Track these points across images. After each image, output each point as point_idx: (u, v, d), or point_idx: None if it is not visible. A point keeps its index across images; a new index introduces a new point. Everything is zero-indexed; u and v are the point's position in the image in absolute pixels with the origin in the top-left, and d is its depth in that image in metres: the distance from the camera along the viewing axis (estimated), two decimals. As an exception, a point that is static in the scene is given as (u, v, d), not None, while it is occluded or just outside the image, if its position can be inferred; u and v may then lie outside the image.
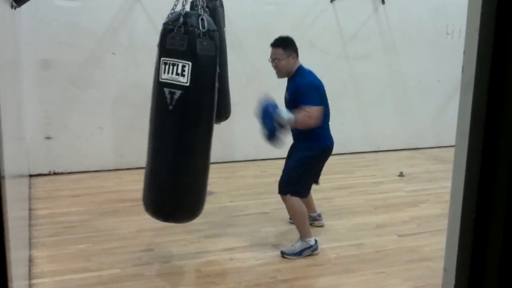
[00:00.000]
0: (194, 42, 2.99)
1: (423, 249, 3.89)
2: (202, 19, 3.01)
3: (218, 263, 3.64)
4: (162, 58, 3.09)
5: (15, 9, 3.32)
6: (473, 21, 1.11)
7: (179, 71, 3.03)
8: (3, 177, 1.02)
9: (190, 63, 3.00)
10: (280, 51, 3.66)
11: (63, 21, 5.27)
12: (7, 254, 1.00)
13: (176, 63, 3.02)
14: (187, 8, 3.26)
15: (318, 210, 4.29)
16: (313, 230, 3.94)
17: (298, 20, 6.09)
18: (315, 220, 4.22)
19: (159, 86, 3.07)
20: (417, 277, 3.47)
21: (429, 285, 3.34)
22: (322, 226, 4.23)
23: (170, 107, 3.02)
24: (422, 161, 6.33)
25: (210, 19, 3.13)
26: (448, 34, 6.68)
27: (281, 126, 3.47)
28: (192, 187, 3.17)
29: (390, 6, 6.40)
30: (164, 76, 3.06)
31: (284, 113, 3.46)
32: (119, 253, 3.73)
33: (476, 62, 1.11)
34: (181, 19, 3.02)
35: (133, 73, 5.60)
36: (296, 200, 3.71)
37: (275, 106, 3.45)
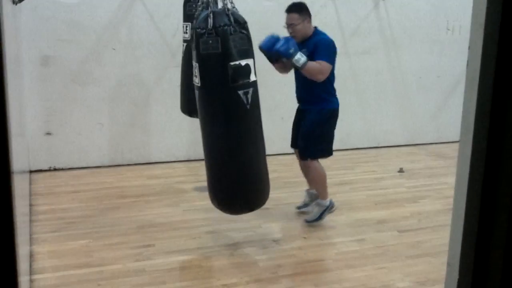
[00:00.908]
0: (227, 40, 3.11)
1: (423, 244, 3.90)
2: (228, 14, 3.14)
3: (219, 258, 3.65)
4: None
5: (16, 4, 3.31)
6: (478, 16, 1.11)
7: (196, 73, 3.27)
8: (12, 172, 1.03)
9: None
10: (295, 15, 3.81)
11: (63, 18, 5.26)
12: (17, 249, 1.01)
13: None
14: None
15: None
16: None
17: (299, 16, 6.07)
18: (317, 197, 4.26)
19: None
20: (418, 272, 3.48)
21: (430, 280, 3.35)
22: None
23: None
24: (423, 157, 6.34)
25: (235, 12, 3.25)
26: (448, 30, 6.68)
27: (294, 65, 3.71)
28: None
29: (390, 2, 6.40)
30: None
31: (301, 53, 3.67)
32: (120, 248, 3.73)
33: (481, 57, 1.11)
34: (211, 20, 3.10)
35: (133, 69, 5.60)
36: (318, 164, 3.95)
37: (295, 45, 3.68)
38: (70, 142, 5.51)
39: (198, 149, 3.48)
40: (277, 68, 4.02)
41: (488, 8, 1.10)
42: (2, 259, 1.00)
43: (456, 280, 1.19)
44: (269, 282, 3.34)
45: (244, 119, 3.26)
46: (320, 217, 4.03)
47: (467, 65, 1.17)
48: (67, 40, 5.30)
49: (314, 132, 3.94)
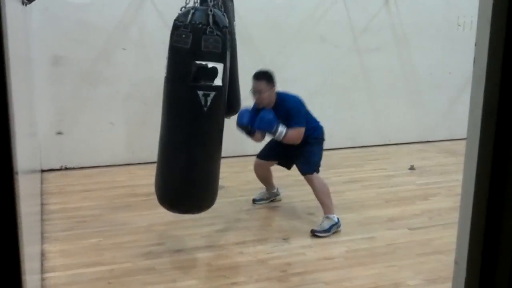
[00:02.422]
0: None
1: (434, 242, 3.87)
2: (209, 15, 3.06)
3: (228, 256, 3.65)
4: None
5: (26, 5, 3.33)
6: (485, 12, 1.10)
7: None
8: (16, 173, 1.03)
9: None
10: (263, 83, 3.98)
11: (74, 18, 5.29)
12: (21, 248, 1.01)
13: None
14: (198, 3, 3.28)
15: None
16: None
17: (308, 14, 6.06)
18: (277, 195, 4.64)
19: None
20: (429, 270, 3.46)
21: (441, 278, 3.33)
22: (280, 199, 4.65)
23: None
24: (434, 154, 6.30)
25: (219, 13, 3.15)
26: (459, 25, 6.62)
27: (270, 132, 4.00)
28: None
29: (401, -2, 6.37)
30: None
31: (281, 125, 3.95)
32: (131, 247, 3.75)
33: (488, 54, 1.10)
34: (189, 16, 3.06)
35: (144, 68, 5.62)
36: (321, 178, 4.10)
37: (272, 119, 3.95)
38: (82, 141, 5.54)
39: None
40: (255, 140, 4.19)
41: (494, 4, 1.09)
42: (6, 259, 1.01)
43: (464, 279, 1.18)
44: (278, 280, 3.34)
45: (198, 120, 3.17)
46: (329, 230, 3.96)
47: (474, 61, 1.16)
48: (78, 40, 5.33)
49: (315, 150, 4.16)
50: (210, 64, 3.10)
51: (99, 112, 5.55)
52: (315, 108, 4.36)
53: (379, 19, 6.35)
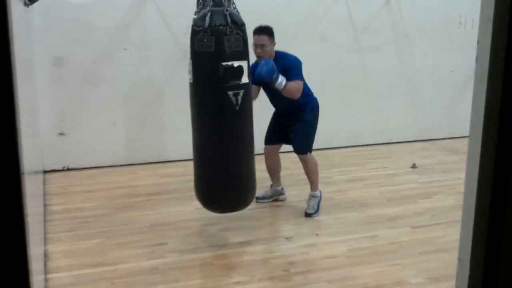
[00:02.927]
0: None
1: (437, 240, 3.87)
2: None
3: (231, 256, 3.66)
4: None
5: (27, 6, 3.34)
6: (487, 10, 1.10)
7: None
8: (22, 173, 1.04)
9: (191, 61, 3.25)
10: (265, 37, 4.00)
11: (75, 19, 5.29)
12: (28, 249, 1.02)
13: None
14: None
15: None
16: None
17: (309, 13, 6.06)
18: (280, 194, 4.63)
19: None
20: (432, 268, 3.46)
21: (444, 276, 3.33)
22: (285, 199, 4.65)
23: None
24: (435, 153, 6.30)
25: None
26: (460, 24, 6.62)
27: (271, 81, 3.88)
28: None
29: (402, -3, 6.37)
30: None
31: (281, 76, 3.90)
32: (134, 247, 3.76)
33: (490, 52, 1.10)
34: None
35: (145, 69, 5.63)
36: (314, 157, 4.30)
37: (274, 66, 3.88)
38: (83, 142, 5.55)
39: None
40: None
41: (496, 2, 1.09)
42: (13, 259, 1.02)
43: (468, 276, 1.18)
44: (281, 279, 3.34)
45: (232, 120, 3.26)
46: (318, 208, 4.29)
47: (476, 60, 1.17)
48: (79, 40, 5.34)
49: (309, 130, 4.27)
50: (236, 63, 3.14)
51: (100, 112, 5.56)
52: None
53: (380, 18, 6.34)
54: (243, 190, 3.48)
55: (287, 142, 4.39)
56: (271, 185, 4.63)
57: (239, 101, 3.19)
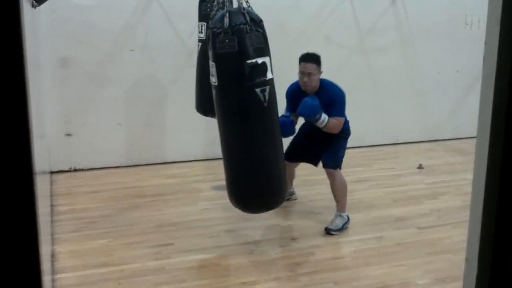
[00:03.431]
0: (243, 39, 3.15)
1: (443, 241, 3.87)
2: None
3: (237, 257, 3.66)
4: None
5: (35, 8, 3.36)
6: (494, 11, 1.10)
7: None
8: (35, 173, 1.05)
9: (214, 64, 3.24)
10: (313, 66, 3.91)
11: (81, 20, 5.31)
12: (40, 248, 1.03)
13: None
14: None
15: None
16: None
17: (314, 14, 6.06)
18: (291, 194, 4.57)
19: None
20: (438, 269, 3.45)
21: (450, 277, 3.33)
22: (296, 199, 4.63)
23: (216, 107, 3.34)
24: (442, 153, 6.28)
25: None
26: (467, 24, 6.60)
27: (312, 119, 3.86)
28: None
29: (407, -2, 6.36)
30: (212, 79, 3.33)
31: (323, 114, 3.85)
32: (140, 247, 3.77)
33: (498, 52, 1.10)
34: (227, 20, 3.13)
35: (150, 70, 5.64)
36: (341, 174, 4.09)
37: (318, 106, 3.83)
38: (90, 142, 5.57)
39: (215, 148, 3.50)
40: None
41: (504, 3, 1.09)
42: (26, 259, 1.03)
43: (475, 276, 1.18)
44: (287, 280, 3.34)
45: (262, 117, 3.27)
46: (342, 228, 4.03)
47: (484, 61, 1.17)
48: (85, 41, 5.36)
49: (339, 144, 4.12)
50: (260, 60, 3.16)
51: (106, 113, 5.57)
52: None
53: (386, 19, 6.33)
54: (279, 188, 3.46)
55: (310, 161, 4.27)
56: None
57: (267, 97, 3.20)
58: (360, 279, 3.35)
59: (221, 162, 3.53)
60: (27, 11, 2.26)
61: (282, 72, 4.24)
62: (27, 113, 0.98)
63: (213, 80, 3.27)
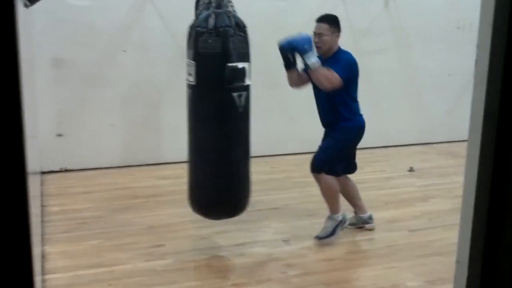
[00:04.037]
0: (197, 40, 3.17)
1: (434, 244, 3.88)
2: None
3: (229, 258, 3.66)
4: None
5: (27, 7, 3.34)
6: (487, 14, 1.11)
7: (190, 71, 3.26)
8: (28, 173, 1.05)
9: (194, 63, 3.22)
10: (325, 26, 3.66)
11: (75, 20, 5.29)
12: (32, 249, 1.03)
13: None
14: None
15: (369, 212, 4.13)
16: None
17: (310, 16, 6.05)
18: (365, 223, 4.07)
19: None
20: (429, 271, 3.47)
21: (441, 279, 3.34)
22: (373, 229, 4.07)
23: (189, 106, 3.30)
24: (433, 156, 6.31)
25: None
26: (459, 28, 6.64)
27: (305, 63, 3.55)
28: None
29: (400, 1, 6.38)
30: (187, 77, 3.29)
31: (314, 56, 3.53)
32: (131, 248, 3.76)
33: (490, 56, 1.11)
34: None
35: (145, 70, 5.63)
36: (330, 178, 3.77)
37: (311, 44, 3.54)
38: (82, 143, 5.54)
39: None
40: (289, 77, 3.85)
41: (496, 6, 1.10)
42: (19, 259, 1.02)
43: (466, 278, 1.19)
44: (279, 282, 3.35)
45: (235, 122, 3.26)
46: (333, 232, 3.81)
47: (475, 63, 1.17)
48: (79, 42, 5.34)
49: (334, 146, 3.80)
50: (240, 65, 3.15)
51: (99, 114, 5.55)
52: (316, 111, 4.36)
53: (380, 22, 6.36)
54: (245, 193, 3.46)
55: None
56: (354, 212, 4.13)
57: (242, 103, 3.20)
58: (351, 281, 3.36)
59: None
60: (20, 11, 2.25)
61: (278, 74, 4.23)
62: (20, 114, 0.97)
63: (190, 79, 3.26)
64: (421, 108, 6.77)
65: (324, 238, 3.81)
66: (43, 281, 3.25)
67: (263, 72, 5.88)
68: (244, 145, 3.37)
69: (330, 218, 3.87)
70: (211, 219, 3.65)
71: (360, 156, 6.20)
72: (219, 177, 3.33)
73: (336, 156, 3.82)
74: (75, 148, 5.53)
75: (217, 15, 3.14)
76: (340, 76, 3.55)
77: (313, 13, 6.11)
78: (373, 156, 6.26)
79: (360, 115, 3.87)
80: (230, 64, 3.14)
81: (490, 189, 1.10)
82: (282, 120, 5.96)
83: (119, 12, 5.44)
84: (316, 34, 3.67)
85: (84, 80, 5.44)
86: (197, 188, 3.43)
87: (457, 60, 6.63)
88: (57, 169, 5.49)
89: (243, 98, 3.19)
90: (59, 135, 5.48)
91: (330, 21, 3.68)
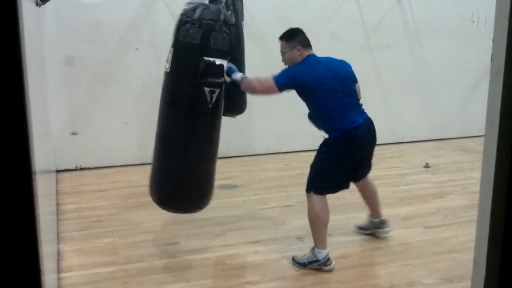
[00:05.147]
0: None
1: (450, 241, 3.84)
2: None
3: (243, 256, 3.65)
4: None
5: (39, 6, 3.36)
6: (503, 8, 1.08)
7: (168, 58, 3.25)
8: (34, 173, 1.04)
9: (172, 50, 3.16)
10: (283, 44, 3.51)
11: (86, 18, 5.32)
12: (39, 248, 1.02)
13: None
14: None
15: (382, 215, 3.88)
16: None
17: (320, 11, 6.04)
18: (377, 227, 3.87)
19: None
20: (444, 269, 3.43)
21: (456, 277, 3.30)
22: (387, 233, 3.86)
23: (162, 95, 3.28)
24: (448, 152, 6.25)
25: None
26: (473, 22, 6.56)
27: (232, 83, 3.33)
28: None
29: (413, -5, 6.32)
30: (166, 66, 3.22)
31: (235, 72, 3.32)
32: (145, 246, 3.77)
33: (506, 50, 1.08)
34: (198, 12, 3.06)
35: (156, 68, 5.62)
36: (317, 201, 3.41)
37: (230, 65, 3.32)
38: (96, 141, 5.57)
39: (221, 147, 3.46)
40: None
41: (512, -1, 1.07)
42: (25, 259, 1.02)
43: (483, 278, 1.17)
44: (293, 279, 3.33)
45: (201, 117, 3.16)
46: (303, 264, 3.45)
47: (491, 58, 1.15)
48: (91, 40, 5.36)
49: (319, 163, 3.48)
50: (218, 61, 3.09)
51: (112, 112, 5.58)
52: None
53: (392, 16, 6.30)
54: (201, 192, 3.33)
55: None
56: (370, 215, 3.92)
57: (213, 100, 3.11)
58: (366, 278, 3.33)
59: (225, 160, 3.53)
60: (30, 9, 2.26)
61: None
62: (25, 112, 0.97)
63: (167, 66, 3.22)
64: (434, 103, 6.70)
65: (296, 263, 3.50)
66: (59, 279, 3.27)
67: (273, 68, 5.85)
68: (208, 142, 3.24)
69: (312, 250, 3.45)
70: (167, 210, 3.51)
71: (374, 152, 6.19)
72: (173, 169, 3.23)
73: (319, 174, 3.45)
74: (89, 146, 5.56)
75: (206, 8, 3.11)
76: (275, 80, 3.35)
77: (323, 8, 6.14)
78: (387, 152, 6.21)
79: (343, 121, 3.45)
80: (206, 58, 3.07)
81: (508, 187, 1.08)
82: (294, 116, 5.93)
83: (129, 10, 5.45)
84: (281, 52, 3.55)
85: (96, 78, 5.47)
86: (153, 175, 3.35)
87: (470, 55, 6.56)
88: (72, 167, 5.53)
89: (215, 95, 3.10)
90: (74, 133, 5.51)
91: (286, 38, 3.51)
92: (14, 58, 0.97)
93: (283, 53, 3.52)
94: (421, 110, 6.66)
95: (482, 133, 1.28)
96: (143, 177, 5.32)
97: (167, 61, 3.23)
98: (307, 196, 3.48)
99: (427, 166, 5.60)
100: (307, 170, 4.87)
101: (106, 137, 5.60)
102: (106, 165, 5.61)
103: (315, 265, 3.42)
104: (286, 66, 3.52)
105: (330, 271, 3.40)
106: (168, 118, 3.25)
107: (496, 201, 1.12)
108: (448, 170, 5.51)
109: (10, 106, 0.95)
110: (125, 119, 5.64)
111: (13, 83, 0.97)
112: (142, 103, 5.65)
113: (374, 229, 3.88)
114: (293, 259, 3.53)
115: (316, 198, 3.42)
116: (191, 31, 3.06)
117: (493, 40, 1.15)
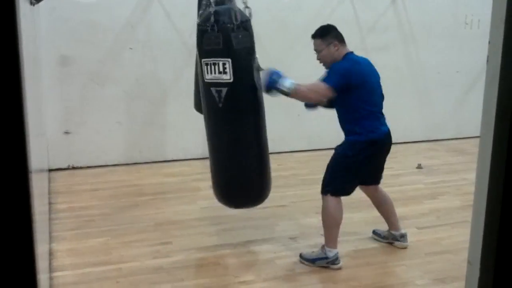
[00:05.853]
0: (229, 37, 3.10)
1: (443, 241, 3.86)
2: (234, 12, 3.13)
3: (236, 256, 3.65)
4: (202, 60, 3.21)
5: (33, 5, 3.34)
6: (499, 10, 1.09)
7: (221, 69, 3.15)
8: (30, 172, 1.04)
9: (229, 60, 3.13)
10: (318, 41, 3.45)
11: (81, 18, 5.30)
12: (35, 247, 1.02)
13: (217, 62, 3.13)
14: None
15: (403, 229, 3.80)
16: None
17: (315, 13, 6.04)
18: (395, 240, 3.78)
19: (206, 87, 3.23)
20: (437, 269, 3.44)
21: (450, 277, 3.31)
22: (405, 247, 3.75)
23: (220, 105, 3.17)
24: (442, 153, 6.27)
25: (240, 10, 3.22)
26: (467, 24, 6.59)
27: (283, 92, 3.28)
28: (248, 176, 3.45)
29: (407, -3, 6.35)
30: (208, 77, 3.18)
31: (287, 80, 3.26)
32: (139, 246, 3.76)
33: (502, 52, 1.09)
34: (212, 18, 3.08)
35: (151, 68, 5.63)
36: (333, 203, 3.40)
37: (278, 73, 3.32)
38: (89, 140, 5.56)
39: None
40: (308, 107, 3.83)
41: (509, 2, 1.08)
42: (21, 258, 1.02)
43: (477, 278, 1.17)
44: (286, 279, 3.33)
45: (214, 117, 3.29)
46: (312, 261, 3.47)
47: (487, 61, 1.15)
48: (85, 40, 5.35)
49: (338, 163, 3.44)
50: (216, 61, 3.15)
51: (106, 111, 5.56)
52: (322, 109, 4.33)
53: (387, 18, 6.32)
54: (228, 190, 3.55)
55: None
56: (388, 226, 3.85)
57: (222, 99, 3.15)
58: (359, 278, 3.33)
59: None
60: (24, 8, 2.24)
61: (284, 70, 4.21)
62: (23, 111, 0.97)
63: (206, 77, 3.35)
64: (428, 105, 6.73)
65: (304, 259, 3.52)
66: (51, 278, 3.26)
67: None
68: (225, 142, 3.36)
69: (321, 248, 3.49)
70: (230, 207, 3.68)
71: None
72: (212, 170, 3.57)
73: (337, 176, 3.42)
74: (82, 145, 5.54)
75: (217, 12, 3.14)
76: (328, 83, 3.29)
77: (318, 9, 6.15)
78: (380, 153, 6.23)
79: (371, 131, 3.47)
80: (204, 60, 3.16)
81: (503, 188, 1.08)
82: (289, 117, 5.93)
83: (124, 10, 5.44)
84: (315, 51, 3.49)
85: (90, 77, 5.45)
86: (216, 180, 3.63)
87: (465, 57, 6.59)
88: (64, 166, 5.51)
89: (223, 94, 3.14)
90: (67, 132, 5.49)
91: (320, 35, 3.45)
92: (12, 57, 0.96)
93: (318, 51, 3.45)
94: (415, 111, 6.69)
95: (476, 135, 1.29)
96: (136, 176, 5.34)
97: (200, 73, 3.29)
98: (323, 198, 3.45)
99: (419, 167, 5.62)
100: (300, 171, 4.91)
101: (100, 136, 5.58)
102: (99, 164, 5.59)
103: (323, 262, 3.44)
104: (323, 66, 3.49)
105: (338, 269, 3.44)
106: (215, 125, 3.38)
107: (490, 201, 1.12)
108: (441, 171, 5.53)
109: (8, 105, 0.95)
110: (119, 119, 5.62)
111: (10, 83, 0.96)
112: (136, 103, 5.64)
113: (391, 240, 3.80)
114: (300, 256, 3.54)
115: (332, 200, 3.41)
116: (213, 37, 3.09)
117: (489, 43, 1.16)
